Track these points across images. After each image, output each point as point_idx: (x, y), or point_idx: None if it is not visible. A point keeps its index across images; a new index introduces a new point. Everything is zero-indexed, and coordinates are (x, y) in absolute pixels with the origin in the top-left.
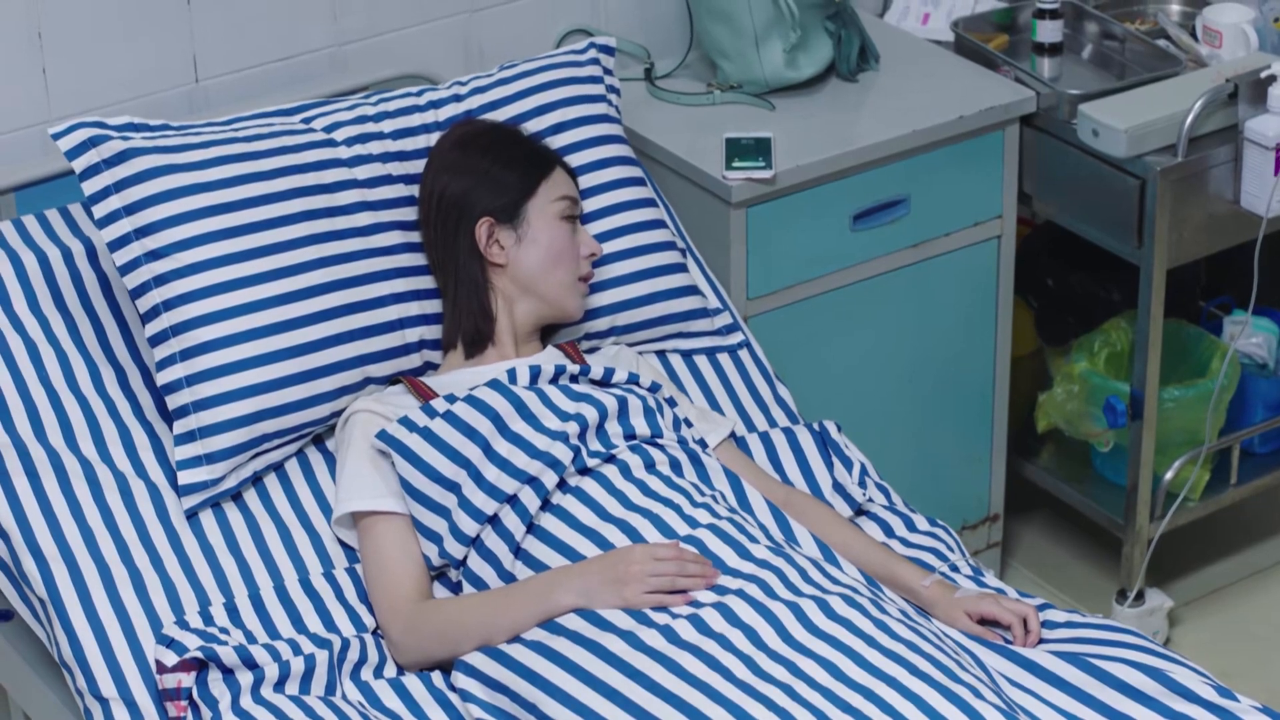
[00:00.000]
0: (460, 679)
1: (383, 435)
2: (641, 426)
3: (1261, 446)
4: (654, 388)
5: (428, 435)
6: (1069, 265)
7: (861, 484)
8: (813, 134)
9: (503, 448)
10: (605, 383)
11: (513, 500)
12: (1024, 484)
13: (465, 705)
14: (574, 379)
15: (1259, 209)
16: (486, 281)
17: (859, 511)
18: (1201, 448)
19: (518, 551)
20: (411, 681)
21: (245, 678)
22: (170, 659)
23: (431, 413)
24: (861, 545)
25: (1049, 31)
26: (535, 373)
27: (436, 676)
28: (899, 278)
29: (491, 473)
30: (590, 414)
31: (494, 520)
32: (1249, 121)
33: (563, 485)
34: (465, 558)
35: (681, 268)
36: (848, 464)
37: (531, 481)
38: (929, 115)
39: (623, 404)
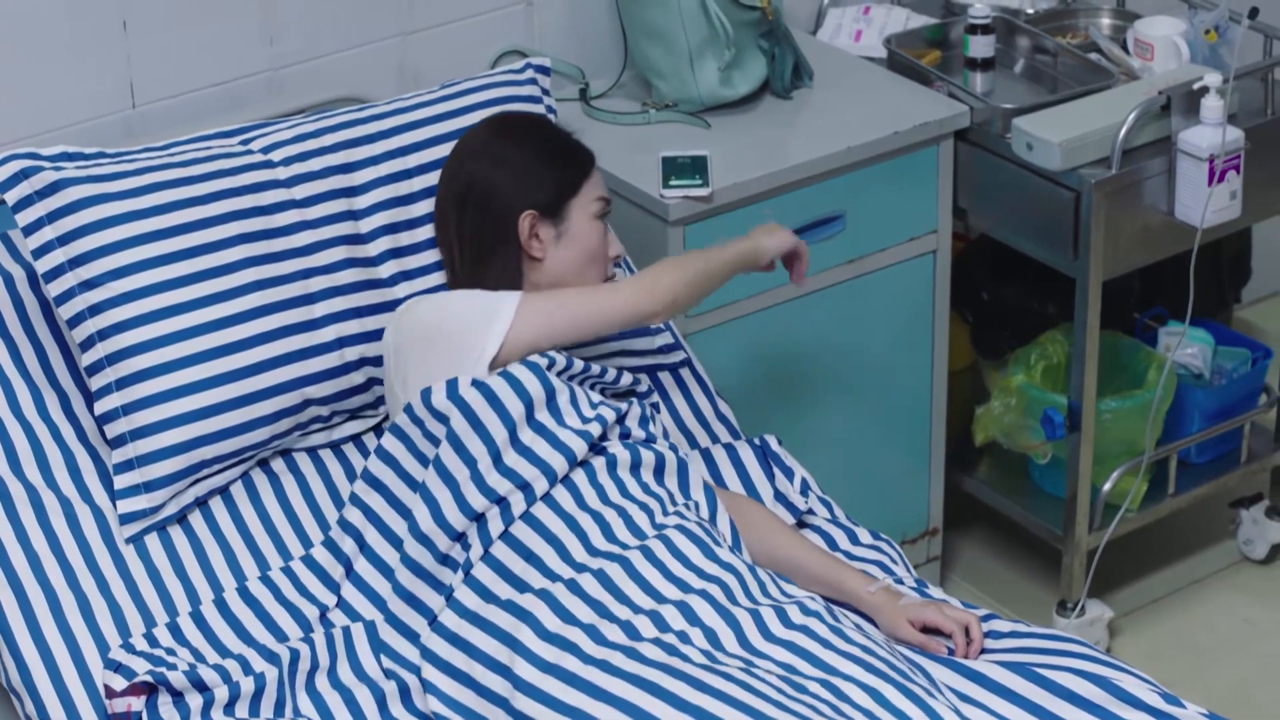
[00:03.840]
0: (426, 669)
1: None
2: (637, 431)
3: (1198, 456)
4: (647, 393)
5: (459, 404)
6: (1004, 279)
7: (803, 493)
8: (749, 151)
9: (526, 436)
10: (614, 384)
11: (525, 488)
12: (963, 497)
13: (425, 697)
14: (594, 379)
15: (1193, 220)
16: (520, 273)
17: (801, 523)
18: (1139, 458)
19: (503, 534)
20: (363, 695)
21: (195, 700)
22: (119, 683)
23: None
24: (806, 550)
25: (981, 47)
26: (569, 364)
27: (390, 688)
28: (835, 293)
29: (511, 458)
30: (609, 415)
31: (501, 502)
32: (1182, 133)
33: None
34: (464, 532)
35: None
36: (789, 474)
37: (547, 473)
38: (863, 131)
39: (628, 409)
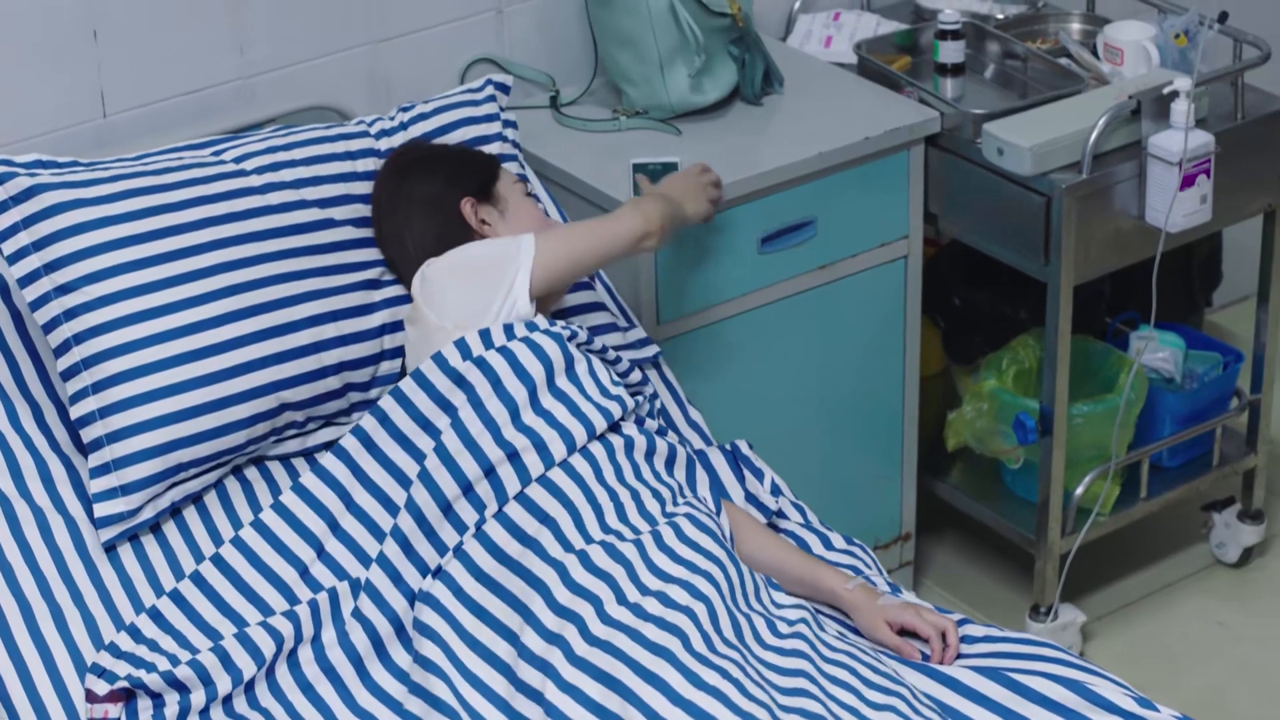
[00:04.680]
0: (426, 612)
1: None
2: (649, 421)
3: (1170, 460)
4: (654, 395)
5: (481, 365)
6: (975, 284)
7: (774, 494)
8: (719, 158)
9: (547, 400)
10: (624, 376)
11: (540, 448)
12: (935, 502)
13: (420, 639)
14: (608, 364)
15: (1163, 223)
16: None
17: (772, 525)
18: (1111, 462)
19: (518, 495)
20: (337, 656)
21: (172, 709)
22: (103, 688)
23: (488, 343)
24: (784, 551)
25: (951, 52)
26: (589, 340)
27: (365, 647)
28: (807, 299)
29: (529, 416)
30: (629, 402)
31: (515, 458)
32: (1152, 137)
33: None
34: (474, 486)
35: (587, 285)
36: (759, 474)
37: (565, 438)
38: (834, 137)
39: (641, 401)
